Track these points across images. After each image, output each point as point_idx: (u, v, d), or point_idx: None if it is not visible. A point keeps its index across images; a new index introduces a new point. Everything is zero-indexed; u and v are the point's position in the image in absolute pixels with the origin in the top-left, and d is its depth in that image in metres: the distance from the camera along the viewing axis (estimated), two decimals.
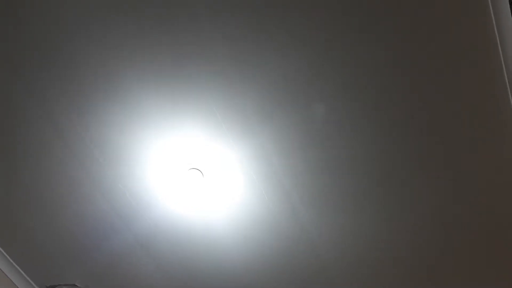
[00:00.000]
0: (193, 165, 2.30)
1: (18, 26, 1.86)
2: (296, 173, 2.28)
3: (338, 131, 2.10)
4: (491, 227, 2.40)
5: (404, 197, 2.32)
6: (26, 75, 2.01)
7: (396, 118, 2.03)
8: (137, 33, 1.86)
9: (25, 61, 1.96)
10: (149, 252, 2.76)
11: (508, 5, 1.68)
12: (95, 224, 2.62)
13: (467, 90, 1.92)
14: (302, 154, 2.20)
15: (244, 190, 2.38)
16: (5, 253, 2.80)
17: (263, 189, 2.36)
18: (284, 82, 1.97)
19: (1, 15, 1.82)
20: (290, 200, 2.39)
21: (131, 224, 2.61)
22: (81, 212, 2.56)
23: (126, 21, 1.83)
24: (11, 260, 2.84)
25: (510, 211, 2.32)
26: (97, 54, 1.93)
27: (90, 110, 2.11)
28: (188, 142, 2.21)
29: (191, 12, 1.79)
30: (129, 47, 1.90)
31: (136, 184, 2.40)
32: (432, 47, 1.82)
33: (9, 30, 1.87)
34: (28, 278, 2.96)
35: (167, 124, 2.14)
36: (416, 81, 1.91)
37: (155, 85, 2.01)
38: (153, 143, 2.22)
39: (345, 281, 2.79)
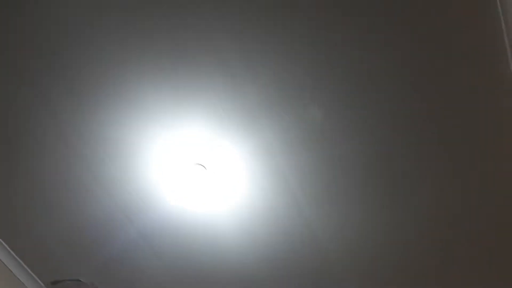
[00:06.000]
0: (196, 160, 2.30)
1: (22, 28, 1.84)
2: (300, 169, 2.28)
3: (343, 127, 2.10)
4: (498, 224, 2.40)
5: (409, 194, 2.33)
6: (29, 76, 2.00)
7: (402, 116, 2.03)
8: (140, 30, 1.84)
9: (27, 62, 1.95)
10: (152, 247, 2.78)
11: None
12: (99, 220, 2.63)
13: (475, 87, 1.91)
14: (307, 150, 2.20)
15: (248, 185, 2.38)
16: (10, 249, 2.81)
17: (266, 184, 2.37)
18: (289, 78, 1.96)
19: (4, 17, 1.81)
20: (294, 195, 2.40)
21: (134, 220, 2.62)
22: (84, 208, 2.56)
23: (129, 19, 1.81)
24: (16, 256, 2.86)
25: None
26: (99, 52, 1.91)
27: (92, 108, 2.11)
28: (192, 138, 2.20)
29: (196, 9, 1.77)
30: (131, 44, 1.88)
31: (139, 180, 2.40)
32: (441, 47, 1.80)
33: (12, 31, 1.85)
34: (32, 274, 2.98)
35: (170, 120, 2.14)
36: (418, 81, 1.91)
37: (158, 81, 2.00)
38: (157, 139, 2.21)
39: (349, 278, 2.81)
